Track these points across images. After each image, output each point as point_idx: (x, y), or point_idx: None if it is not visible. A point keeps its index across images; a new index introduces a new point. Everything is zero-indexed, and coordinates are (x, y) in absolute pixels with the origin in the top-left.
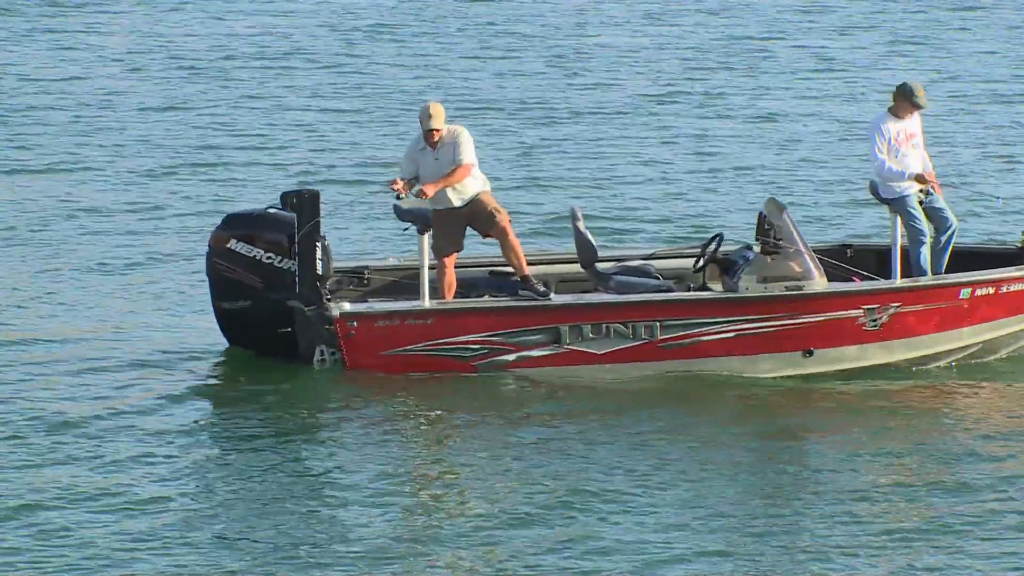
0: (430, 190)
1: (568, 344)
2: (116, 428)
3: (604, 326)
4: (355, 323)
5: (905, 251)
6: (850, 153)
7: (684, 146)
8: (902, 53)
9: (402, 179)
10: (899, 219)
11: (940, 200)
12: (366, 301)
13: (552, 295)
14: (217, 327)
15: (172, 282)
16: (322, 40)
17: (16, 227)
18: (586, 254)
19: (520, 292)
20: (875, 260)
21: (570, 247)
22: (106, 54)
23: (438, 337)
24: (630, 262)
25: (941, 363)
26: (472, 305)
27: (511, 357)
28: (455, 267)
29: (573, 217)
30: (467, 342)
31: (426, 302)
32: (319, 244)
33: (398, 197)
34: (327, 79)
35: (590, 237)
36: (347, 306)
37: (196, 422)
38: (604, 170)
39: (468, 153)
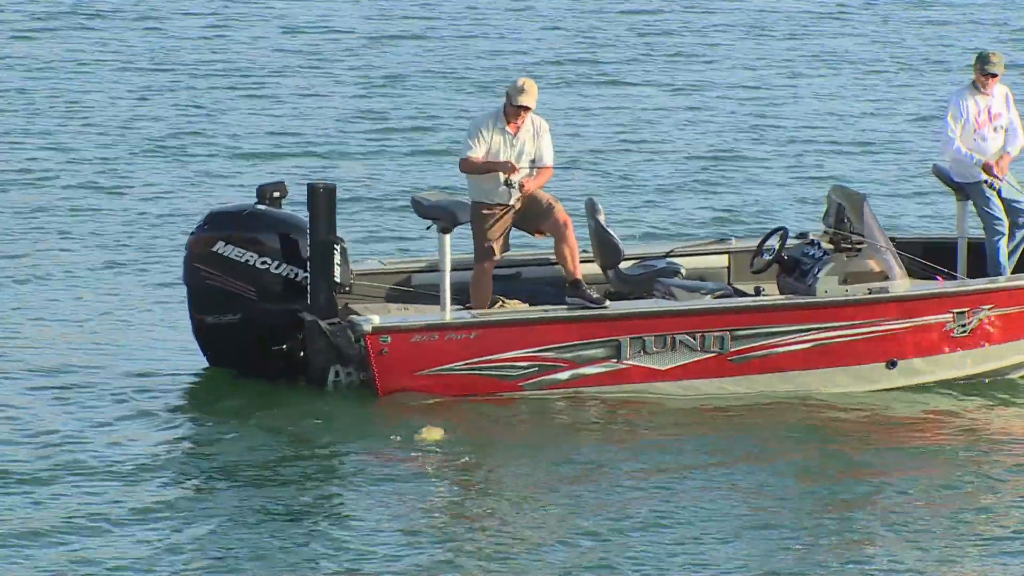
0: (532, 185)
1: (628, 359)
2: (82, 471)
3: (669, 337)
4: (388, 339)
5: (971, 245)
6: (873, 139)
7: (680, 130)
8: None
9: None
10: (969, 207)
11: (1012, 189)
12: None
13: (608, 303)
14: (196, 344)
15: (137, 293)
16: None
17: None
18: (609, 254)
19: (568, 299)
20: (920, 254)
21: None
22: (61, 37)
23: (482, 354)
24: (654, 262)
25: None
26: (521, 316)
27: (564, 376)
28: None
29: (591, 211)
30: (514, 359)
31: (447, 313)
32: (337, 247)
33: (507, 183)
34: (300, 62)
35: (613, 234)
36: (377, 319)
37: (193, 462)
38: (592, 155)
39: (551, 154)
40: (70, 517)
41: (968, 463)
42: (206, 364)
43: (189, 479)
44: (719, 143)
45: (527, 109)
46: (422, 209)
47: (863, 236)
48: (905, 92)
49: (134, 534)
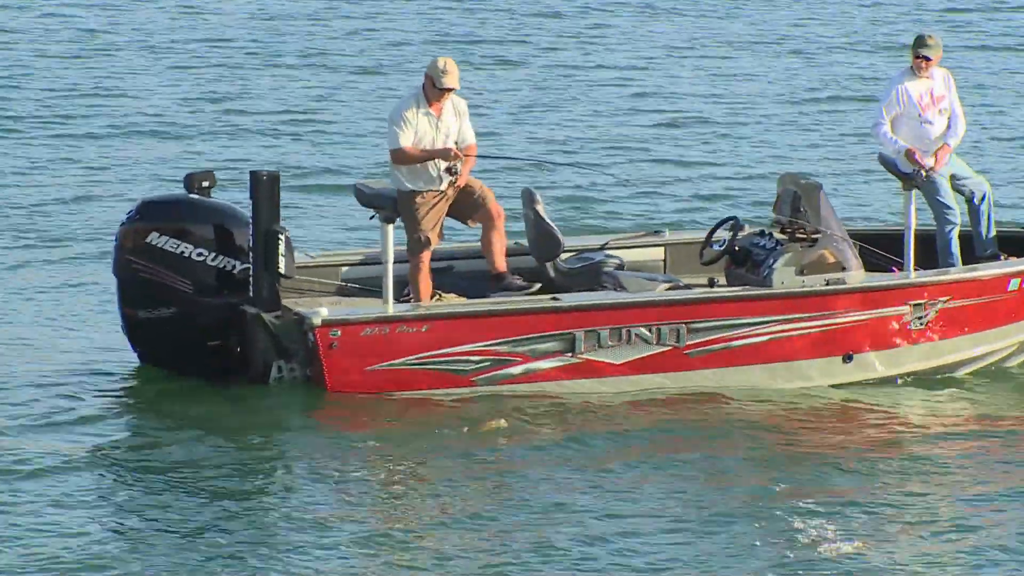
0: (465, 171)
1: (583, 353)
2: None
3: (624, 330)
4: (339, 332)
5: (921, 235)
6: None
7: (592, 117)
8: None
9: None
10: (916, 197)
11: (958, 165)
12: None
13: (535, 286)
14: (125, 341)
15: (58, 288)
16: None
17: None
18: (548, 246)
19: (493, 294)
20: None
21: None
22: None
23: (434, 348)
24: (591, 254)
25: (985, 364)
26: (475, 308)
27: (517, 370)
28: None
29: (529, 200)
30: (467, 353)
31: (390, 306)
32: (281, 236)
33: (450, 170)
34: (197, 44)
35: (553, 225)
36: (326, 312)
37: (126, 468)
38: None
39: (473, 134)
40: None
41: (920, 458)
42: (136, 362)
43: (123, 486)
44: (633, 132)
45: (451, 90)
46: (364, 197)
47: (818, 226)
48: (840, 75)
49: (66, 540)
